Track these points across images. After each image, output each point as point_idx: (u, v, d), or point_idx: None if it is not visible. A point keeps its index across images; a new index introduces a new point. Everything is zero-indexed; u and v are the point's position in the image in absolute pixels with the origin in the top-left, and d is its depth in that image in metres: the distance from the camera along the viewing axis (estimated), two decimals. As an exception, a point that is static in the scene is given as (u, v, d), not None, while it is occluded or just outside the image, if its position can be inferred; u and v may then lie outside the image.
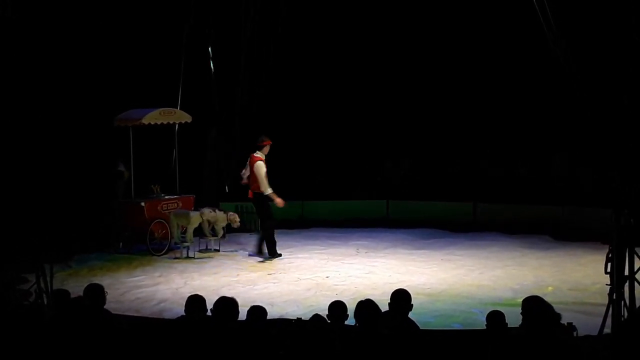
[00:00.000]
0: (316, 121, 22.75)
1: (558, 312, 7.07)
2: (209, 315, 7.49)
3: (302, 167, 22.21)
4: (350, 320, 7.35)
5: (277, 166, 22.11)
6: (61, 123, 19.34)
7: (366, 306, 7.13)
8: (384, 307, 7.35)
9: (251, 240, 17.98)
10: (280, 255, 15.83)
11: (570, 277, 13.95)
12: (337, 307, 7.38)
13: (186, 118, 17.84)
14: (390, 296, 7.47)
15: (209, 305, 7.49)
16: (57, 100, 19.35)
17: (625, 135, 9.01)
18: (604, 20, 9.35)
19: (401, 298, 7.41)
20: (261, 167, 15.57)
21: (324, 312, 7.43)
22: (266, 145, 15.76)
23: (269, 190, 15.58)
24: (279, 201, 15.67)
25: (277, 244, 15.92)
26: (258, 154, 15.73)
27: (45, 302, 8.11)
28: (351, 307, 7.36)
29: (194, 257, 16.13)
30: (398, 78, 22.28)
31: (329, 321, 7.32)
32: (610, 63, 9.31)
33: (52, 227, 12.17)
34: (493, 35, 21.00)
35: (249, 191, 15.93)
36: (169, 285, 13.81)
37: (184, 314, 7.63)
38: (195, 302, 7.62)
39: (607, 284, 9.05)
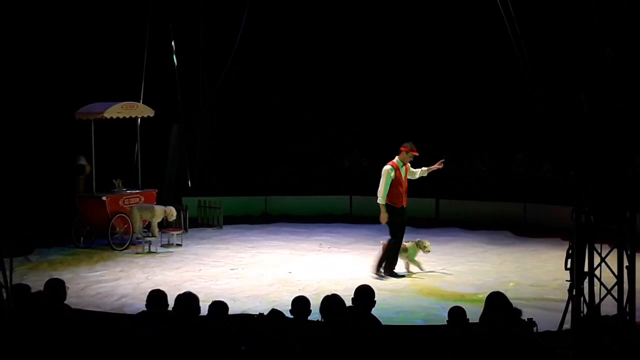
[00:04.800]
0: (279, 116, 22.75)
1: (519, 307, 7.13)
2: (170, 311, 7.45)
3: (265, 162, 22.18)
4: (314, 316, 7.35)
5: (240, 161, 22.24)
6: (21, 116, 19.12)
7: (332, 301, 7.13)
8: (347, 302, 7.35)
9: (214, 235, 17.94)
10: (397, 275, 13.77)
11: (531, 273, 14.09)
12: (300, 303, 7.38)
13: (148, 112, 17.72)
14: (354, 292, 7.47)
15: (171, 300, 7.44)
16: (17, 93, 19.12)
17: (584, 133, 9.09)
18: (560, 19, 9.45)
19: (365, 294, 7.42)
20: (384, 172, 13.62)
21: (287, 308, 7.43)
22: (402, 151, 13.71)
23: (379, 199, 13.61)
24: (382, 217, 13.63)
25: (243, 239, 15.67)
26: (395, 159, 13.77)
27: (5, 297, 8.00)
28: (314, 303, 7.35)
29: (156, 252, 16.03)
30: (360, 75, 22.34)
31: (291, 316, 7.32)
32: (568, 62, 9.40)
33: (12, 221, 12.02)
34: (454, 36, 21.16)
35: None
36: (130, 280, 13.73)
37: (145, 309, 7.58)
38: (156, 297, 7.57)
39: (567, 280, 9.14)
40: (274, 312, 7.37)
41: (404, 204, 13.69)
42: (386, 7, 21.79)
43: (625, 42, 8.69)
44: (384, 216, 13.55)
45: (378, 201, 13.60)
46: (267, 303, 11.69)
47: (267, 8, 21.31)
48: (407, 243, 13.85)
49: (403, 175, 13.66)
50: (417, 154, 13.71)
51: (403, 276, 13.70)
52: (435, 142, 21.99)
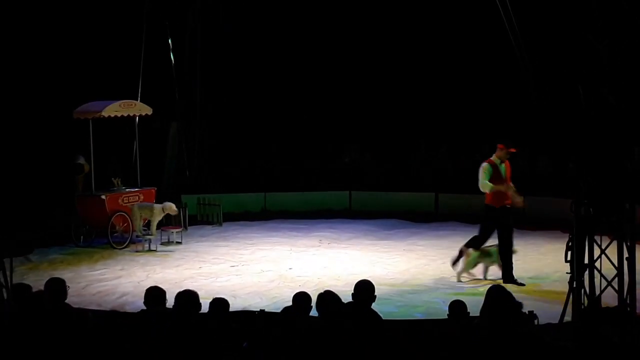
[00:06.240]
0: (278, 113, 22.76)
1: (519, 300, 7.13)
2: (170, 308, 7.45)
3: (264, 158, 22.19)
4: (314, 312, 7.36)
5: (239, 158, 22.26)
6: (20, 116, 19.12)
7: (327, 297, 7.14)
8: (347, 298, 7.36)
9: (213, 232, 17.94)
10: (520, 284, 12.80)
11: (531, 265, 14.09)
12: (301, 299, 7.38)
13: (146, 110, 17.71)
14: (354, 287, 7.47)
15: (171, 297, 7.44)
16: (15, 93, 19.12)
17: (583, 127, 9.10)
18: (559, 15, 9.46)
19: (365, 289, 7.41)
20: (480, 170, 12.93)
21: (288, 304, 7.42)
22: (499, 148, 12.96)
23: (485, 190, 12.90)
24: (512, 197, 12.88)
25: (243, 236, 15.62)
26: (492, 156, 13.05)
27: (6, 297, 8.01)
28: (315, 298, 7.35)
29: (156, 250, 16.03)
30: (360, 71, 22.36)
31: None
32: (566, 56, 9.42)
33: (11, 221, 12.03)
34: (453, 32, 21.19)
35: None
36: (131, 278, 13.73)
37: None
38: (154, 294, 7.56)
39: (567, 273, 9.15)
40: (287, 310, 7.31)
41: (507, 202, 12.94)
42: (385, 5, 21.80)
43: (625, 42, 8.70)
44: (508, 192, 12.82)
45: (484, 190, 12.91)
46: (268, 299, 11.71)
47: (266, 3, 21.33)
48: (471, 250, 13.00)
49: (502, 172, 12.94)
50: (514, 151, 13.01)
51: (523, 284, 12.72)
52: (434, 136, 22.06)
